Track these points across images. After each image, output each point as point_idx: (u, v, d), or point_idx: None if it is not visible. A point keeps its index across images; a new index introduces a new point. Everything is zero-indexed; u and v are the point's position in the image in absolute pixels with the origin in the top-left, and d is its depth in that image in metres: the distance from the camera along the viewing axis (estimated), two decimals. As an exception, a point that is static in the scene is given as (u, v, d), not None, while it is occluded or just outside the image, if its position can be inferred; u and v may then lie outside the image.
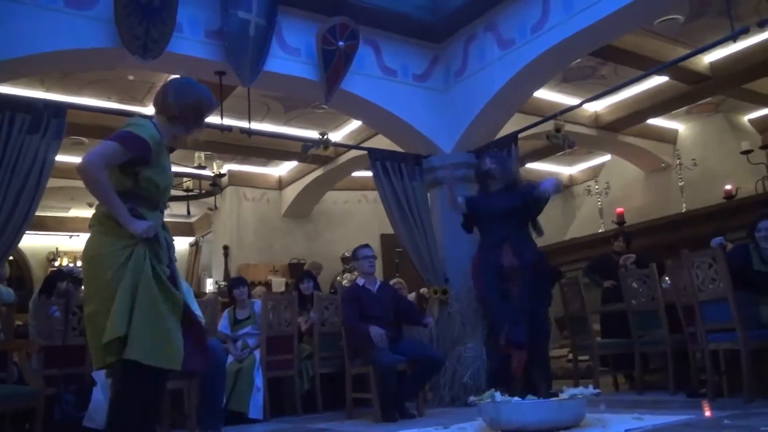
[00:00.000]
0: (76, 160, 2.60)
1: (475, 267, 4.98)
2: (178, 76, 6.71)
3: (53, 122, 4.59)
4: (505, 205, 4.75)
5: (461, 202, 5.05)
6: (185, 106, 2.76)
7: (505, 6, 5.78)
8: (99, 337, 2.49)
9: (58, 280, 5.54)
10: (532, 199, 4.71)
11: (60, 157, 4.78)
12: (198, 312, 4.43)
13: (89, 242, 2.64)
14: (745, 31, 4.58)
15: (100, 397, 4.22)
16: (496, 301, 4.70)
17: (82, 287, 2.69)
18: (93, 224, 2.66)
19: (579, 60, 6.75)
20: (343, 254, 10.30)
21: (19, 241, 4.51)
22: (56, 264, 11.39)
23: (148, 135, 2.63)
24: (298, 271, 10.21)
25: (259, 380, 5.38)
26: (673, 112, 9.00)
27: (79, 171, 2.53)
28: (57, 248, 11.75)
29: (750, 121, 9.50)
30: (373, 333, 4.80)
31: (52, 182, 4.68)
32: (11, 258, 7.76)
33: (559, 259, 9.68)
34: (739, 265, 4.59)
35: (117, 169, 2.60)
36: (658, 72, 7.05)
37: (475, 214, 5.02)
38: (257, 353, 5.55)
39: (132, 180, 2.64)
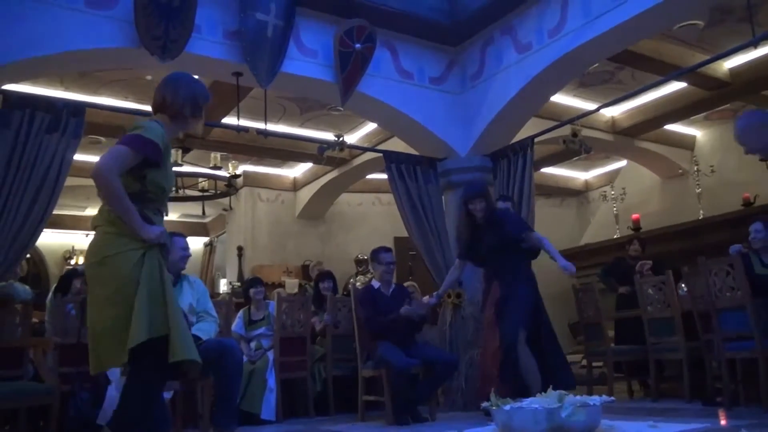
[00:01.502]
0: (94, 159, 2.64)
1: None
2: (195, 75, 6.79)
3: (72, 121, 4.65)
4: (489, 243, 4.66)
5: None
6: (182, 102, 2.79)
7: (523, 10, 5.77)
8: (115, 337, 2.49)
9: (74, 278, 5.59)
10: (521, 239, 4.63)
11: (77, 156, 4.83)
12: (213, 313, 4.48)
13: (99, 243, 2.62)
14: (766, 37, 4.54)
15: (114, 394, 4.23)
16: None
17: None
18: (101, 224, 2.64)
19: (596, 65, 6.71)
20: (357, 256, 10.31)
21: (37, 239, 4.56)
22: (72, 262, 11.48)
23: (158, 137, 2.65)
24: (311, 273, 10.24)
25: (271, 381, 5.38)
26: (691, 118, 8.92)
27: (94, 177, 2.53)
28: (73, 246, 11.84)
29: (769, 128, 9.39)
30: (404, 311, 4.90)
31: (69, 181, 4.72)
32: (28, 255, 7.84)
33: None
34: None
35: (126, 172, 2.61)
36: (677, 78, 7.00)
37: (470, 250, 4.90)
38: (270, 354, 5.56)
39: (140, 183, 2.65)
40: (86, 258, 2.69)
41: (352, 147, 7.77)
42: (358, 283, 8.83)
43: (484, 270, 5.03)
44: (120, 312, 2.50)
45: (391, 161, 6.32)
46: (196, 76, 3.07)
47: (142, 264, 2.56)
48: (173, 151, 8.04)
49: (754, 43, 4.60)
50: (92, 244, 2.64)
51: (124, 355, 2.49)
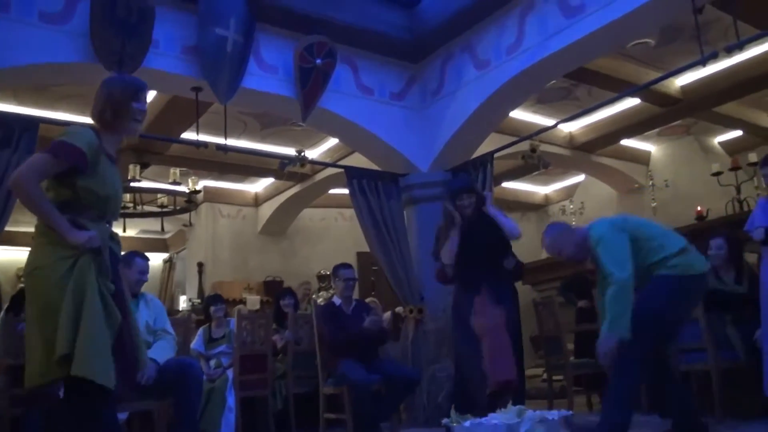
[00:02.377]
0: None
1: (454, 307, 4.65)
2: (153, 91, 6.68)
3: (25, 137, 4.53)
4: (482, 244, 4.41)
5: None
6: (101, 107, 2.71)
7: (482, 27, 5.85)
8: (44, 351, 2.41)
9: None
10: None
11: (31, 172, 4.71)
12: (171, 331, 4.40)
13: (31, 255, 2.55)
14: (714, 56, 4.68)
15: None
16: (467, 356, 4.43)
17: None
18: (35, 236, 2.57)
19: (554, 81, 6.84)
20: (319, 272, 10.26)
21: (-14, 257, 4.43)
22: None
23: (84, 142, 2.56)
24: (273, 289, 10.14)
25: (231, 400, 5.29)
26: (646, 133, 9.15)
27: (11, 185, 2.49)
28: (27, 264, 11.53)
29: (720, 143, 9.70)
30: (368, 323, 4.87)
31: (23, 197, 4.60)
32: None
33: (534, 279, 9.74)
34: None
35: (54, 179, 2.55)
36: (631, 94, 7.18)
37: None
38: (230, 372, 5.47)
39: (70, 190, 2.57)
40: (23, 271, 2.61)
41: (313, 162, 7.75)
42: (320, 299, 8.78)
43: (461, 278, 4.56)
44: (50, 326, 2.41)
45: (353, 177, 6.31)
46: (154, 92, 2.99)
47: (71, 275, 2.47)
48: (131, 167, 7.93)
49: (703, 62, 4.73)
50: (27, 256, 2.58)
51: (57, 369, 2.39)
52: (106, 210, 2.70)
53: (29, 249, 2.58)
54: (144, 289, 4.47)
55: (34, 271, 2.50)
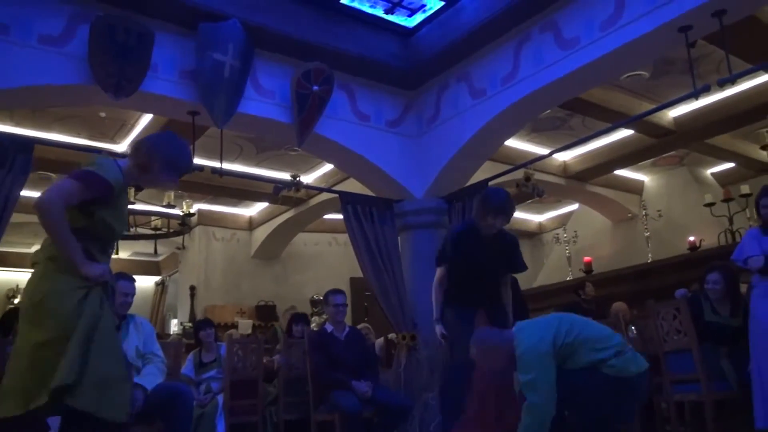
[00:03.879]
0: (43, 195, 2.55)
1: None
2: (149, 114, 6.72)
3: (19, 158, 4.53)
4: (489, 266, 4.35)
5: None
6: (155, 158, 2.71)
7: (478, 57, 5.92)
8: (35, 378, 2.36)
9: (16, 318, 5.37)
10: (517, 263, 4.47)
11: (26, 192, 4.71)
12: (159, 353, 4.34)
13: (40, 279, 2.50)
14: (706, 89, 4.74)
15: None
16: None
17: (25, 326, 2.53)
18: (42, 261, 2.53)
19: (548, 111, 6.90)
20: (312, 297, 10.22)
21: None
22: (15, 301, 11.08)
23: (112, 177, 2.59)
24: (265, 314, 10.09)
25: (221, 426, 5.23)
26: (640, 163, 9.23)
27: (37, 207, 2.44)
28: (17, 285, 11.40)
29: (713, 174, 9.77)
30: (355, 387, 4.76)
31: (16, 217, 4.58)
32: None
33: (528, 307, 9.71)
34: (692, 316, 4.64)
35: (74, 206, 2.53)
36: (625, 125, 7.25)
37: (457, 256, 4.40)
38: (220, 398, 5.41)
39: (87, 219, 2.57)
40: (23, 296, 2.56)
41: (308, 187, 7.75)
42: (313, 324, 8.72)
43: (467, 299, 4.41)
44: (52, 354, 2.37)
45: (347, 202, 6.32)
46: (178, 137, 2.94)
47: (83, 305, 2.44)
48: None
49: (695, 95, 4.79)
50: (31, 282, 2.52)
51: (47, 398, 2.33)
52: (111, 242, 2.72)
53: (24, 272, 2.56)
54: (135, 312, 4.42)
55: (48, 295, 2.45)
